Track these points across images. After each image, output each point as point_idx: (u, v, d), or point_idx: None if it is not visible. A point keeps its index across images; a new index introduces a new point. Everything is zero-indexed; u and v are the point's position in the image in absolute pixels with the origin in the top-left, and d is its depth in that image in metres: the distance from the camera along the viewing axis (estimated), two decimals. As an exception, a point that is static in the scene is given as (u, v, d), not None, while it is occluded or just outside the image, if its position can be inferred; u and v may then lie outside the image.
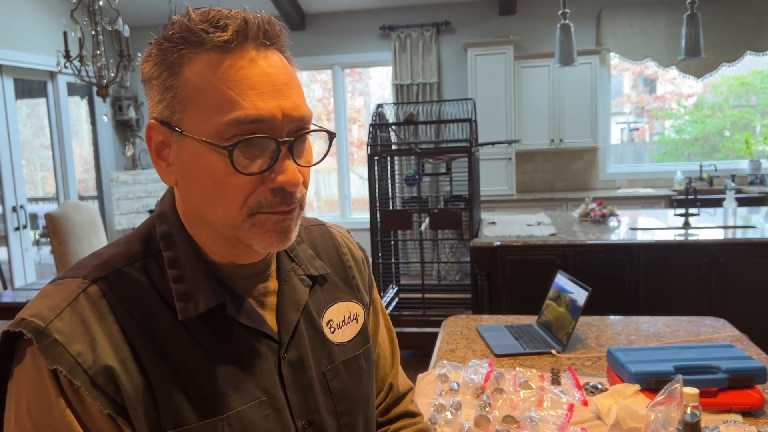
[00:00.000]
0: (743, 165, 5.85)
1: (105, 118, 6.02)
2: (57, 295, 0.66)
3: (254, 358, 0.73)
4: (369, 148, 4.01)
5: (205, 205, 0.68)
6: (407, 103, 5.19)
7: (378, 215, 4.07)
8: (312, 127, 0.70)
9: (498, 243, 3.24)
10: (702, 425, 1.05)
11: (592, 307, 1.83)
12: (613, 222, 3.75)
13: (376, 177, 4.10)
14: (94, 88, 4.55)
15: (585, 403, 1.36)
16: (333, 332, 0.82)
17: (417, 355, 3.17)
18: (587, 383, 1.47)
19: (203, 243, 0.73)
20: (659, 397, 1.02)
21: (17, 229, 4.94)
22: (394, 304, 4.31)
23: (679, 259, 3.07)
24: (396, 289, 4.52)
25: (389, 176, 4.51)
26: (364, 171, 4.43)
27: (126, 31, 3.84)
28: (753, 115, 6.34)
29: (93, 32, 3.88)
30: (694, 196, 4.23)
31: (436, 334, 1.97)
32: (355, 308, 0.87)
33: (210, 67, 0.65)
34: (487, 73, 5.56)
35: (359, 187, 6.69)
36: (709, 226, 3.48)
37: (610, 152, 6.05)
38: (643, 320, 1.96)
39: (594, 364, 1.62)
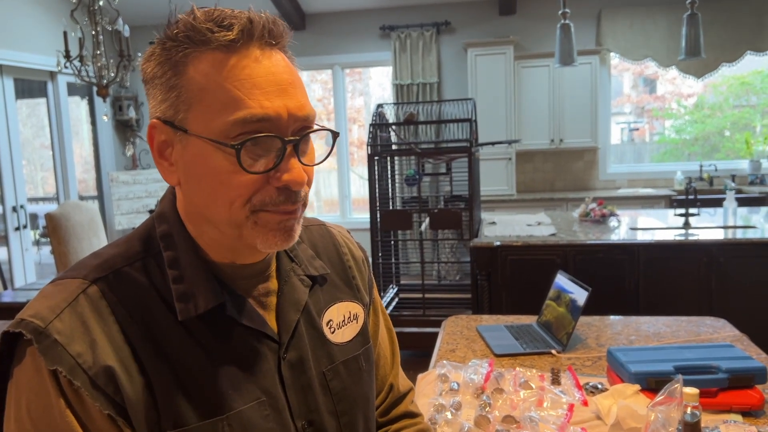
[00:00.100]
0: (743, 165, 5.85)
1: (105, 118, 6.02)
2: (57, 295, 0.66)
3: (254, 359, 0.73)
4: (369, 148, 4.01)
5: (209, 205, 0.68)
6: (407, 103, 5.19)
7: (378, 215, 4.07)
8: (315, 127, 0.71)
9: (498, 243, 3.24)
10: (702, 425, 1.05)
11: (592, 307, 1.84)
12: (613, 222, 3.75)
13: (376, 177, 4.09)
14: (94, 88, 4.55)
15: (585, 403, 1.36)
16: (333, 332, 0.82)
17: (417, 355, 3.17)
18: (587, 383, 1.47)
19: (204, 243, 0.73)
20: (659, 397, 1.02)
21: (17, 229, 4.94)
22: (394, 304, 4.31)
23: (679, 259, 3.07)
24: (396, 289, 4.52)
25: (389, 176, 4.50)
26: (364, 171, 4.42)
27: (126, 31, 3.84)
28: (753, 115, 6.34)
29: (93, 32, 3.88)
30: (694, 196, 4.23)
31: (436, 334, 1.97)
32: (355, 308, 0.87)
33: (215, 66, 0.65)
34: (487, 73, 5.56)
35: (359, 187, 6.68)
36: (709, 226, 3.48)
37: (610, 152, 6.04)
38: (643, 320, 1.96)
39: (594, 364, 1.62)
